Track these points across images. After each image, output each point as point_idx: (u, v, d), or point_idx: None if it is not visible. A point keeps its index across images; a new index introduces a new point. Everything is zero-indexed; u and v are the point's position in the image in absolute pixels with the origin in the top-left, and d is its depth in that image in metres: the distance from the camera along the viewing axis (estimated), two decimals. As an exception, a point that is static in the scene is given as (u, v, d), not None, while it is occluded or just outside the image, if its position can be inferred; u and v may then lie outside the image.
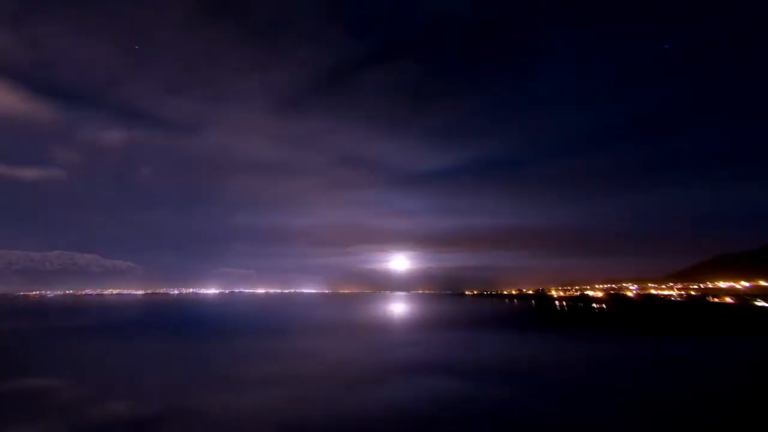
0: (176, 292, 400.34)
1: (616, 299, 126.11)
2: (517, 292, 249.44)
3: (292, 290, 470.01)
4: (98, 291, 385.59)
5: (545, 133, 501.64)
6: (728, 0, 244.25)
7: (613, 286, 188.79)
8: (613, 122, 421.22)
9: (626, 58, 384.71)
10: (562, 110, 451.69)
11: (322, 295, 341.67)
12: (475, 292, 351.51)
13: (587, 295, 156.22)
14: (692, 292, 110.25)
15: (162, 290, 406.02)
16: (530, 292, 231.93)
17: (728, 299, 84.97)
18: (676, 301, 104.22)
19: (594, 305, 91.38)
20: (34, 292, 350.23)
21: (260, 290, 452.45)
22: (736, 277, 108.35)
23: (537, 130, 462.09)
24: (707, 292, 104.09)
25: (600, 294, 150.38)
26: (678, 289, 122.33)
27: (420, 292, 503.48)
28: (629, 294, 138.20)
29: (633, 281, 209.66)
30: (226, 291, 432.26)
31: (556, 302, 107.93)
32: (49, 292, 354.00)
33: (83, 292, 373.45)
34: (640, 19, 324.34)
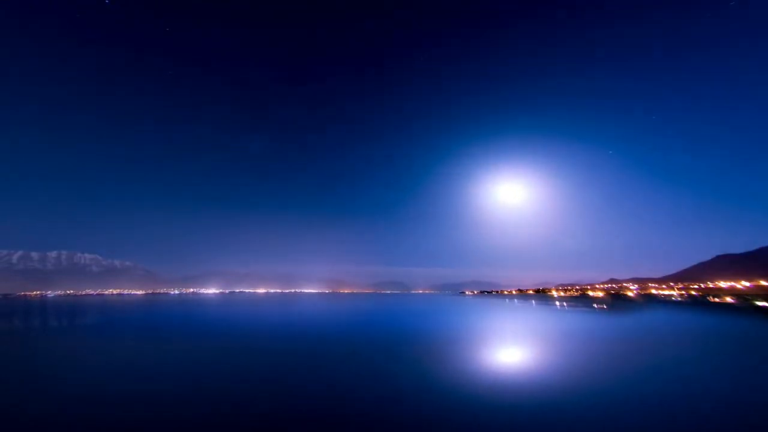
0: (176, 292, 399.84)
1: (616, 298, 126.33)
2: (518, 291, 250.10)
3: (293, 290, 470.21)
4: (98, 291, 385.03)
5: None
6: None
7: (614, 285, 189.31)
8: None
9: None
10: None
11: (322, 294, 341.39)
12: (475, 292, 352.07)
13: (588, 294, 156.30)
14: (693, 292, 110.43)
15: (162, 290, 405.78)
16: (530, 291, 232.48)
17: (729, 299, 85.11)
18: (677, 301, 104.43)
19: (594, 305, 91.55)
20: (34, 292, 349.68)
21: (260, 290, 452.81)
22: (737, 277, 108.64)
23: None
24: (708, 292, 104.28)
25: (600, 294, 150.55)
26: (678, 289, 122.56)
27: (421, 291, 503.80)
28: (630, 294, 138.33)
29: (633, 281, 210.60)
30: (226, 291, 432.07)
31: (557, 302, 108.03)
32: (49, 292, 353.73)
33: (83, 292, 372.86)
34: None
